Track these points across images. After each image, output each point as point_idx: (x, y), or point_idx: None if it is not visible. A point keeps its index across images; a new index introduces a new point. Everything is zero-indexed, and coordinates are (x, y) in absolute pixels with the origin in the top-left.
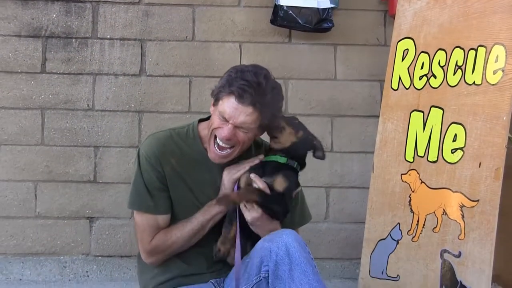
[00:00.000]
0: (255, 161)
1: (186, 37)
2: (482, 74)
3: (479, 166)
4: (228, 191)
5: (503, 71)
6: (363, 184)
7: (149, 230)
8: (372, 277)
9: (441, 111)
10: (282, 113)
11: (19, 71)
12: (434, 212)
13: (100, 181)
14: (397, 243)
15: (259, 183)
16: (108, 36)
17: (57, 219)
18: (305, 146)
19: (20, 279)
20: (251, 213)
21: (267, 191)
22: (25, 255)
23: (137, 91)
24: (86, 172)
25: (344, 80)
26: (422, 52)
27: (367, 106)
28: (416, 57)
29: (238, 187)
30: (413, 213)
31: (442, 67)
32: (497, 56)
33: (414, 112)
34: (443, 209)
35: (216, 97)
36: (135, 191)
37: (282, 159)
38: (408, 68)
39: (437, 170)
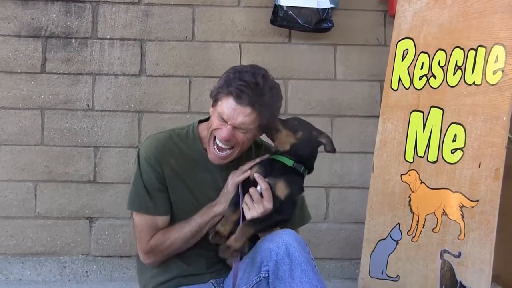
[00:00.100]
0: (257, 160)
1: (186, 37)
2: (482, 74)
3: (479, 166)
4: (230, 195)
5: (503, 71)
6: (363, 184)
7: (148, 230)
8: (372, 277)
9: (441, 111)
10: (280, 114)
11: (19, 71)
12: (434, 212)
13: (100, 181)
14: (397, 243)
15: (261, 183)
16: (108, 36)
17: (57, 219)
18: (308, 146)
19: (20, 279)
20: (251, 213)
21: (269, 192)
22: (25, 255)
23: (137, 91)
24: (86, 172)
25: (344, 80)
26: (422, 52)
27: (367, 106)
28: (416, 57)
29: (243, 188)
30: (413, 213)
31: (442, 67)
32: (497, 56)
33: (414, 112)
34: (443, 209)
35: (215, 98)
36: (134, 191)
37: (289, 162)
38: (408, 68)
39: (437, 170)
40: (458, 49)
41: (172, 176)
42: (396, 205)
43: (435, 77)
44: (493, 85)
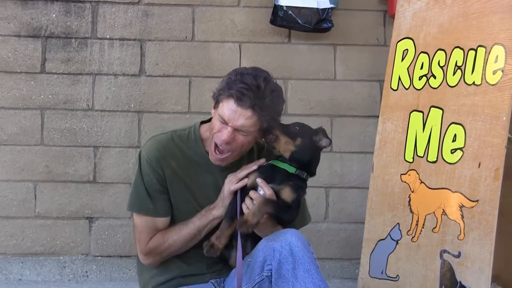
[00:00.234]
0: (253, 167)
1: (186, 37)
2: (482, 74)
3: (479, 166)
4: (226, 201)
5: (502, 71)
6: (363, 184)
7: (147, 232)
8: (372, 277)
9: (441, 111)
10: (281, 118)
11: (18, 71)
12: (433, 212)
13: (100, 181)
14: (397, 243)
15: (265, 189)
16: (108, 36)
17: (56, 219)
18: (308, 153)
19: (20, 279)
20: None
21: (274, 198)
22: (24, 255)
23: (137, 91)
24: (85, 172)
25: (344, 80)
26: (422, 52)
27: (366, 106)
28: (415, 57)
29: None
30: (413, 213)
31: (441, 67)
32: (497, 56)
33: (414, 112)
34: (443, 209)
35: (216, 100)
36: (135, 193)
37: (291, 169)
38: (407, 68)
39: (437, 170)
40: (458, 49)
41: (173, 178)
42: (396, 205)
43: (435, 77)
44: (493, 85)
